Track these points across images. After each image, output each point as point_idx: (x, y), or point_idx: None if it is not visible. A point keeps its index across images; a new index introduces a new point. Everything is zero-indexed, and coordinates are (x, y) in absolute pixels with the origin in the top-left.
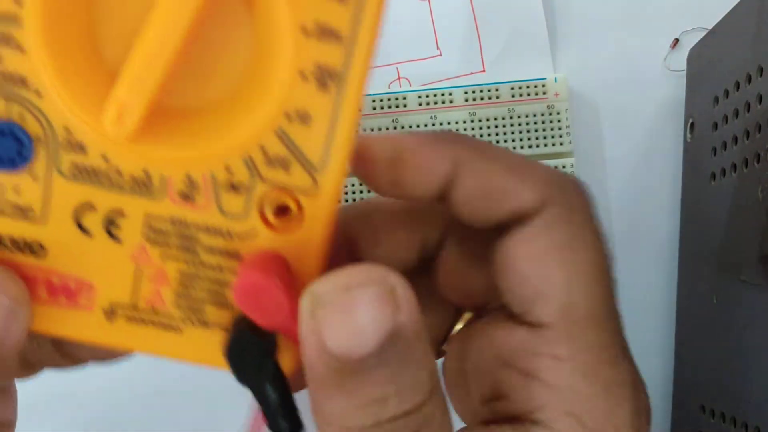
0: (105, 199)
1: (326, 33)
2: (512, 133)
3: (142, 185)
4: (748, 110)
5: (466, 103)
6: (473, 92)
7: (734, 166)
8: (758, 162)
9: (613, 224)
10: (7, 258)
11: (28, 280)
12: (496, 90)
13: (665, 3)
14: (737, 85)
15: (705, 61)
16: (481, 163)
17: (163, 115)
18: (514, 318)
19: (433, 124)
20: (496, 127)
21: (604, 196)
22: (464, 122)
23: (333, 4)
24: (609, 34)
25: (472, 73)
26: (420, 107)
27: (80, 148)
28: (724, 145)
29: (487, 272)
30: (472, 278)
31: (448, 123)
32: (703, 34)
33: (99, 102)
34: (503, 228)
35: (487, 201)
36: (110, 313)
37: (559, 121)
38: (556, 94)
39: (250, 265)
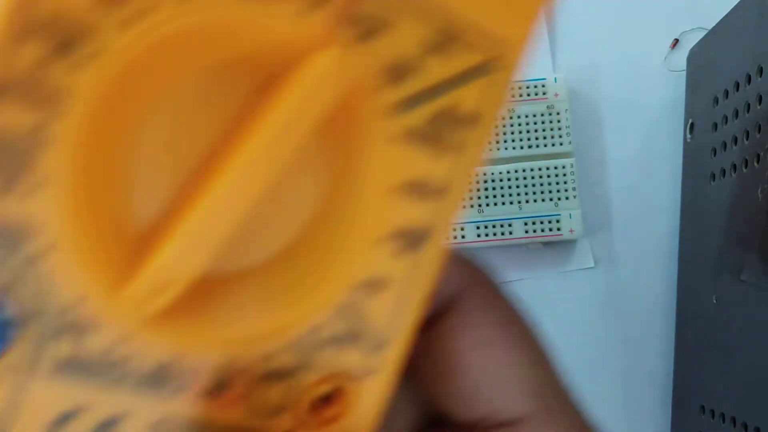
0: (101, 401)
1: (420, 190)
2: (512, 133)
3: (158, 378)
4: (748, 110)
5: None
6: None
7: (734, 167)
8: (758, 162)
9: (613, 224)
10: None
11: None
12: None
13: (665, 3)
14: (737, 86)
15: (705, 61)
16: None
17: (196, 285)
18: (477, 427)
19: None
20: (496, 127)
21: (604, 196)
22: None
23: (433, 157)
24: (609, 34)
25: None
26: None
27: (81, 330)
28: (724, 146)
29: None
30: None
31: None
32: (703, 34)
33: (117, 269)
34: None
35: None
36: None
37: (558, 121)
38: (556, 95)
39: None
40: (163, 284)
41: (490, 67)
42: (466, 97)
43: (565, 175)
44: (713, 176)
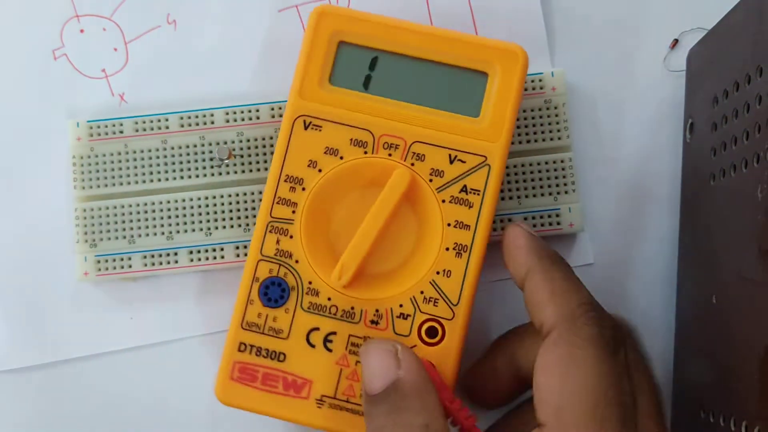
0: (325, 324)
1: (460, 225)
2: None
3: (349, 315)
4: (748, 110)
5: None
6: None
7: (734, 166)
8: (758, 162)
9: (612, 224)
10: (262, 363)
11: (273, 377)
12: None
13: (665, 3)
14: (737, 86)
15: (704, 61)
16: (536, 278)
17: (364, 277)
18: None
19: None
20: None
21: (603, 195)
22: None
23: (465, 209)
24: (608, 34)
25: None
26: None
27: (315, 293)
28: (724, 146)
29: None
30: None
31: None
32: (702, 34)
33: (327, 266)
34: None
35: (531, 308)
36: (320, 402)
37: (557, 115)
38: (554, 89)
39: None
40: (344, 272)
41: (483, 164)
42: (474, 180)
43: (563, 169)
44: (713, 176)
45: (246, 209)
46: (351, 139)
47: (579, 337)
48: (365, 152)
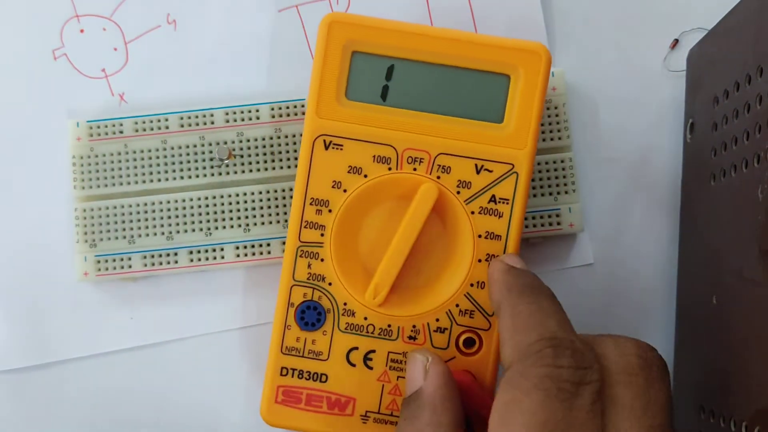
0: (364, 343)
1: (491, 236)
2: None
3: (386, 333)
4: (748, 111)
5: None
6: None
7: (734, 167)
8: (758, 162)
9: (613, 223)
10: (305, 385)
11: (317, 398)
12: None
13: (665, 3)
14: (737, 86)
15: (705, 61)
16: (503, 314)
17: (398, 292)
18: None
19: None
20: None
21: (603, 194)
22: None
23: (494, 219)
24: (608, 34)
25: None
26: None
27: (351, 313)
28: (724, 146)
29: None
30: None
31: None
32: (703, 34)
33: (361, 286)
34: None
35: (499, 346)
36: (365, 417)
37: (557, 115)
38: (554, 89)
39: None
40: (378, 292)
41: (510, 172)
42: (502, 189)
43: (563, 169)
44: (713, 176)
45: (246, 209)
46: (374, 156)
47: (527, 379)
48: (389, 168)
